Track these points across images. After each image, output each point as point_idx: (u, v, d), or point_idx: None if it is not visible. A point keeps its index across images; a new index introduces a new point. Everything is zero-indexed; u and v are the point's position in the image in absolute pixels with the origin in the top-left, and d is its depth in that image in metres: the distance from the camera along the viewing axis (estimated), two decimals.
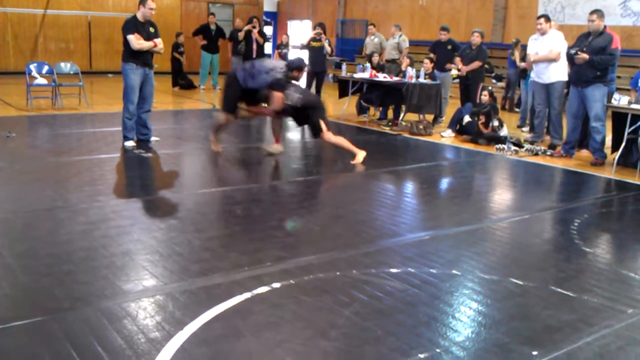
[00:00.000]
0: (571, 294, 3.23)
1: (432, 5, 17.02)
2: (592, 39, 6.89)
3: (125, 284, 3.12)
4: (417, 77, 8.95)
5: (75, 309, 2.80)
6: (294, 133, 8.39)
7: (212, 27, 13.37)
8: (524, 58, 9.81)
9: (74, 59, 13.14)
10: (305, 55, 10.78)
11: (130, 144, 6.82)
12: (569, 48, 7.11)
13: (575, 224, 4.59)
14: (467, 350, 2.60)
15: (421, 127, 8.79)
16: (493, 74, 13.85)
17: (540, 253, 4.02)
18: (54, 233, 3.86)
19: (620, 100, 6.78)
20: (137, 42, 6.61)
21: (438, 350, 2.58)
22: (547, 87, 7.74)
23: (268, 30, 18.70)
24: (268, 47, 16.18)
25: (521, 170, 6.83)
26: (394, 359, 2.49)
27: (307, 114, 6.42)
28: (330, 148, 6.83)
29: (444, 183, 6.23)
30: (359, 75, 9.76)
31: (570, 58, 7.01)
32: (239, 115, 6.56)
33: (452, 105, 10.07)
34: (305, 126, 6.81)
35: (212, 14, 14.52)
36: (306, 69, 10.16)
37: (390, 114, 9.90)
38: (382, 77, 9.40)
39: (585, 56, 6.78)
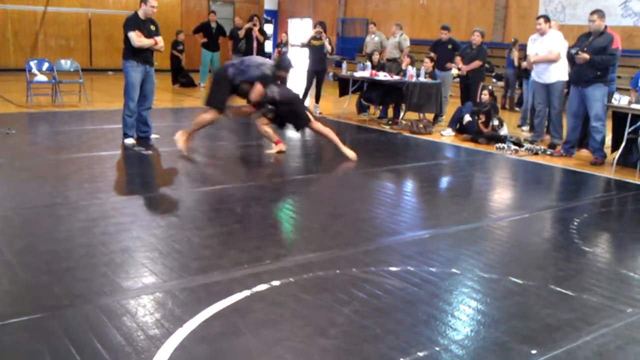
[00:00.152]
0: (570, 293, 3.23)
1: (433, 4, 17.02)
2: (592, 39, 6.89)
3: (124, 281, 3.11)
4: (418, 76, 8.96)
5: (75, 306, 2.80)
6: (293, 132, 8.38)
7: (213, 25, 13.36)
8: (523, 58, 9.80)
9: (74, 56, 13.14)
10: (305, 53, 10.78)
11: (130, 141, 6.82)
12: (570, 48, 7.11)
13: (575, 223, 4.59)
14: (466, 349, 2.60)
15: (421, 126, 8.80)
16: (493, 74, 13.85)
17: (539, 252, 4.02)
18: (53, 230, 3.85)
19: (621, 100, 6.79)
20: (137, 39, 6.61)
21: (437, 349, 2.58)
22: (547, 87, 7.74)
23: (268, 28, 18.69)
24: (269, 46, 16.17)
25: (521, 169, 6.83)
26: (393, 357, 2.49)
27: (292, 109, 6.49)
28: (331, 147, 6.82)
29: (444, 182, 6.23)
30: (359, 74, 9.76)
31: (571, 58, 7.01)
32: (227, 114, 6.50)
33: (452, 105, 10.06)
34: (289, 125, 6.86)
35: (213, 11, 14.50)
36: (307, 68, 10.23)
37: (390, 112, 9.90)
38: (382, 76, 9.39)
39: (586, 56, 6.78)
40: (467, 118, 8.40)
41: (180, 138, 6.29)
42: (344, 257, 3.60)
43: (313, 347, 2.55)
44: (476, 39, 9.07)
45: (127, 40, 6.65)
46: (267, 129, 6.69)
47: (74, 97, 10.29)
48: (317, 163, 6.92)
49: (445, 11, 16.64)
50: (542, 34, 7.70)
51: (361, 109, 10.28)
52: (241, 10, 18.30)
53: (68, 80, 10.26)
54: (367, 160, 6.46)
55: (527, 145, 7.66)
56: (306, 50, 10.44)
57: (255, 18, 12.44)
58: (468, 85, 9.29)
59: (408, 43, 11.22)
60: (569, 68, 7.42)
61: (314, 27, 10.48)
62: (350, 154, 6.52)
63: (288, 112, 6.55)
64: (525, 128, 9.33)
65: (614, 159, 6.82)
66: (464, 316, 2.93)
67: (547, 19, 7.79)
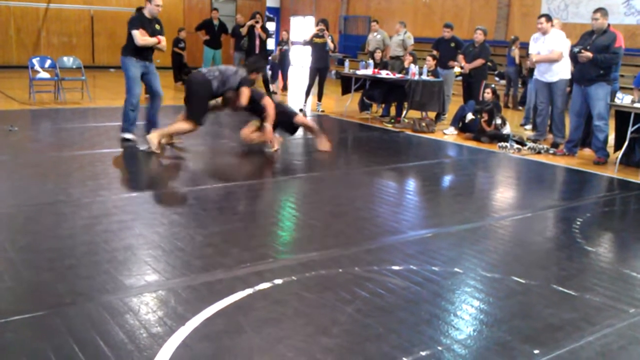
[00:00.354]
0: (573, 293, 3.23)
1: (436, 2, 16.99)
2: (595, 38, 6.87)
3: (127, 278, 3.12)
4: (420, 74, 8.94)
5: (77, 304, 2.81)
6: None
7: (215, 22, 13.35)
8: (525, 55, 9.78)
9: (76, 53, 13.11)
10: (307, 51, 10.77)
11: (129, 135, 6.80)
12: (573, 46, 7.09)
13: (578, 222, 4.58)
14: (469, 348, 2.60)
15: (424, 124, 8.78)
16: (496, 72, 13.82)
17: (542, 251, 4.01)
18: (56, 227, 3.86)
19: (624, 99, 6.77)
20: (141, 38, 6.59)
21: (440, 348, 2.58)
22: (550, 86, 7.72)
23: (271, 26, 18.66)
24: (271, 43, 16.16)
25: (524, 168, 6.82)
26: (395, 357, 2.49)
27: (281, 116, 6.75)
28: (332, 146, 6.81)
29: (446, 181, 6.22)
30: (361, 72, 9.75)
31: (574, 56, 6.99)
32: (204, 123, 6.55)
33: (454, 103, 10.05)
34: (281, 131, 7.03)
35: (215, 9, 14.49)
36: (310, 66, 10.22)
37: (392, 111, 9.89)
38: (384, 74, 9.38)
39: (589, 54, 6.76)
40: (470, 116, 8.39)
41: (153, 138, 6.28)
42: (347, 255, 3.60)
43: (315, 345, 2.55)
44: (479, 37, 9.04)
45: (129, 37, 6.64)
46: (253, 135, 6.76)
47: (77, 94, 10.29)
48: (320, 161, 6.91)
49: (447, 9, 16.61)
50: (544, 33, 7.68)
51: (363, 107, 10.27)
52: (243, 8, 18.28)
53: (70, 77, 10.25)
54: (370, 159, 6.46)
55: (529, 144, 7.65)
56: (308, 48, 10.42)
57: (258, 15, 12.40)
58: (470, 84, 9.26)
59: (412, 41, 11.20)
60: (572, 67, 7.40)
61: (317, 24, 10.47)
62: (325, 146, 6.85)
63: (280, 120, 6.74)
64: (528, 127, 9.32)
65: (616, 158, 6.81)
66: (466, 315, 2.93)
67: (548, 18, 7.77)
